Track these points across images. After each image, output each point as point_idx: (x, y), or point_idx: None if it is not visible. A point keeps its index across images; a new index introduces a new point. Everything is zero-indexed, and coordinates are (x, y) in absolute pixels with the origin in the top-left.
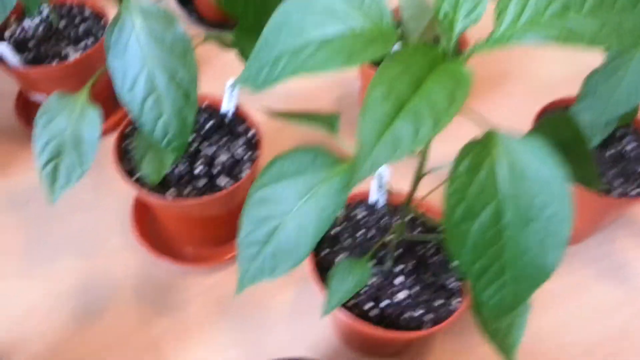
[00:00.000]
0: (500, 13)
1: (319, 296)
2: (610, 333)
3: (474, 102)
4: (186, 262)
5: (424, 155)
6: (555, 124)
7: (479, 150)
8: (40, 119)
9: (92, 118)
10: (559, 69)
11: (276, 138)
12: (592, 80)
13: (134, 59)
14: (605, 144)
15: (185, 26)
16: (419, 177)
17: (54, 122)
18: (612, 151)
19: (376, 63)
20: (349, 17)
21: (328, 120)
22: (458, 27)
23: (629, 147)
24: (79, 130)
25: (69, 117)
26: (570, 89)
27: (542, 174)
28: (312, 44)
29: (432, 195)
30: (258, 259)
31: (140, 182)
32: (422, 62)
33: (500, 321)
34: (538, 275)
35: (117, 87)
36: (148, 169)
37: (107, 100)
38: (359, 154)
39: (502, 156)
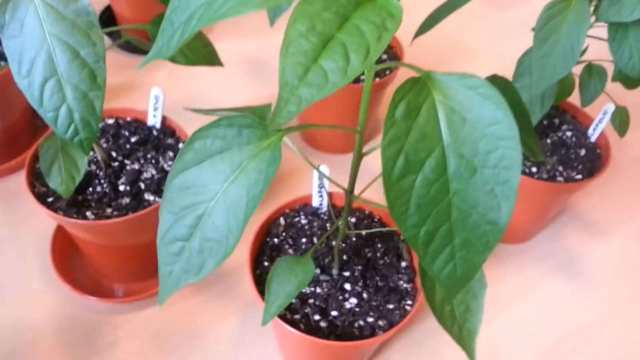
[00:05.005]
0: None
1: None
2: (566, 329)
3: None
4: (114, 298)
5: (361, 133)
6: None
7: (416, 92)
8: None
9: None
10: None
11: None
12: (525, 59)
13: (32, 37)
14: (546, 132)
15: (113, 53)
16: (358, 159)
17: None
18: (554, 139)
19: None
20: None
21: (259, 112)
22: None
23: (568, 134)
24: None
25: None
26: None
27: (485, 114)
28: None
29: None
30: (182, 257)
31: (54, 205)
32: None
33: (455, 306)
34: (491, 234)
35: (13, 72)
36: (58, 180)
37: (24, 132)
38: (282, 95)
39: (440, 98)
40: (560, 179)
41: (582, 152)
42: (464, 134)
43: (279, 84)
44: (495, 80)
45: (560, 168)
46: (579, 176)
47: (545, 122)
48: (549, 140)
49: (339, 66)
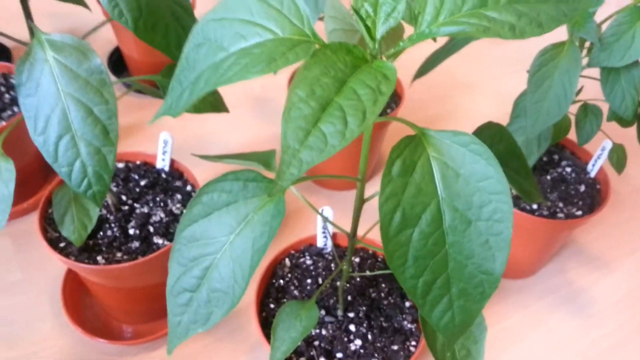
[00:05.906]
0: (418, 14)
1: None
2: None
3: None
4: (124, 340)
5: (362, 181)
6: (490, 136)
7: (412, 149)
8: None
9: (6, 171)
10: (491, 109)
11: None
12: (521, 100)
13: (47, 96)
14: (546, 168)
15: (123, 95)
16: (360, 204)
17: None
18: (553, 175)
19: None
20: (269, 25)
21: (264, 158)
22: (380, 29)
23: (568, 170)
24: None
25: None
26: None
27: (477, 170)
28: (232, 55)
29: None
30: (190, 308)
31: (66, 251)
32: (345, 62)
33: (457, 351)
34: (486, 283)
35: (29, 129)
36: (70, 229)
37: (36, 174)
38: (284, 158)
39: (435, 154)
40: (561, 215)
41: (582, 187)
42: (457, 189)
43: (281, 147)
44: (490, 126)
45: (561, 204)
46: (580, 212)
47: (545, 159)
48: (548, 177)
49: (337, 130)
